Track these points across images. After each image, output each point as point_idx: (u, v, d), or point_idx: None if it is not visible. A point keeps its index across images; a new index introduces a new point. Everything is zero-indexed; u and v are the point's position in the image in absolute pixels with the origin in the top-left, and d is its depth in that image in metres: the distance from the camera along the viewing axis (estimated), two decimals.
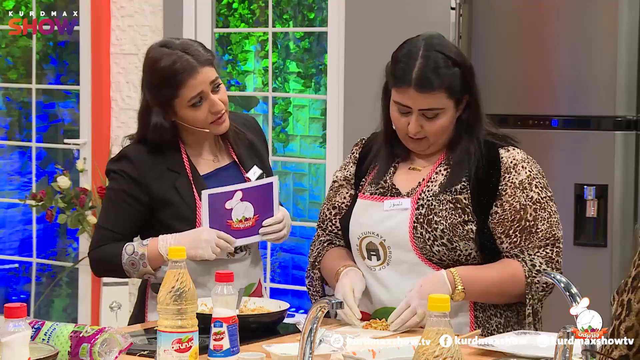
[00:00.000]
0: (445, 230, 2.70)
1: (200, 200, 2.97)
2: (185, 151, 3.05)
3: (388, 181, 2.84)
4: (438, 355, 1.65)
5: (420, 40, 2.78)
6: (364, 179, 2.91)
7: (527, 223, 2.72)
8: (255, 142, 3.19)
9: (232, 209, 2.97)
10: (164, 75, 2.95)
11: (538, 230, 2.72)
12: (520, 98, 4.28)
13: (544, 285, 2.71)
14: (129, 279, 3.69)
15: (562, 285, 2.15)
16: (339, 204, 2.94)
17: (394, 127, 2.84)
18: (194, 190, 3.00)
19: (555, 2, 4.22)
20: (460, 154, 2.78)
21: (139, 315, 3.10)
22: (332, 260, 2.90)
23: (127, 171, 3.00)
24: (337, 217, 2.94)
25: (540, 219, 2.72)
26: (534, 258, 2.71)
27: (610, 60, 4.08)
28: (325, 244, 2.97)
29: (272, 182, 3.04)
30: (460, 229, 2.71)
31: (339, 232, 2.94)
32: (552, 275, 2.22)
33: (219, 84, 3.01)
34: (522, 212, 2.72)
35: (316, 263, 2.96)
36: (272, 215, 3.04)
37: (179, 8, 5.24)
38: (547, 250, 2.72)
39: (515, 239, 2.72)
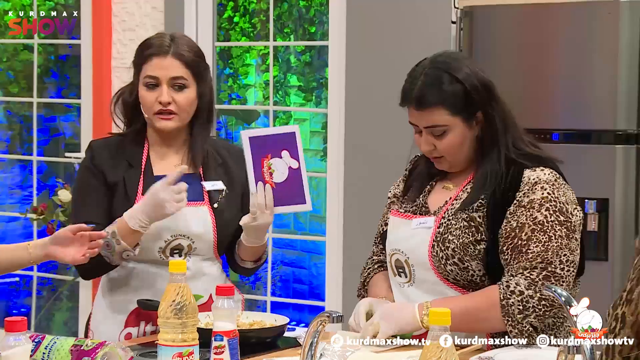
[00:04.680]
0: (456, 250, 2.69)
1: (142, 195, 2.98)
2: (148, 149, 3.07)
3: (421, 199, 2.85)
4: None
5: (427, 60, 2.79)
6: (406, 197, 2.92)
7: (520, 242, 2.65)
8: (231, 167, 3.16)
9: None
10: (142, 44, 3.07)
11: (528, 251, 2.64)
12: (521, 112, 4.26)
13: (521, 308, 2.60)
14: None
15: (563, 299, 2.15)
16: (388, 221, 2.95)
17: None
18: (140, 184, 3.01)
19: (556, 16, 4.23)
20: (479, 173, 2.76)
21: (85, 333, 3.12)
22: (374, 288, 2.93)
23: (89, 160, 3.05)
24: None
25: (535, 240, 2.64)
26: (511, 280, 2.63)
27: (610, 74, 4.09)
28: (375, 266, 2.99)
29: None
30: (471, 249, 2.68)
31: None
32: (553, 289, 2.21)
33: (182, 85, 3.01)
34: (517, 231, 2.66)
35: (365, 284, 2.99)
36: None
37: (180, 22, 5.25)
38: (533, 273, 2.62)
39: (506, 257, 2.67)
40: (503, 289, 2.63)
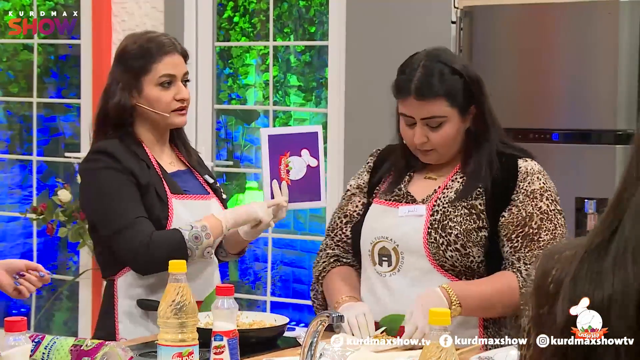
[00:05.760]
0: (460, 236, 2.73)
1: (171, 194, 2.98)
2: (147, 149, 3.05)
3: (403, 189, 2.87)
4: None
5: (422, 52, 2.83)
6: (377, 188, 2.93)
7: (531, 230, 2.74)
8: (202, 163, 3.22)
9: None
10: (142, 47, 3.01)
11: (540, 239, 2.73)
12: (521, 111, 4.29)
13: None
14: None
15: None
16: (351, 212, 2.96)
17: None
18: (165, 184, 2.99)
19: (556, 16, 4.23)
20: (473, 166, 2.81)
21: (107, 337, 3.01)
22: (335, 283, 2.92)
23: (112, 163, 2.95)
24: (348, 225, 2.97)
25: (544, 229, 2.74)
26: (529, 267, 2.72)
27: (610, 73, 4.09)
28: (331, 259, 2.98)
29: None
30: (474, 235, 2.74)
31: (348, 241, 2.96)
32: None
33: (188, 80, 3.07)
34: (527, 219, 2.74)
35: (320, 278, 2.97)
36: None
37: (180, 21, 5.25)
38: None
39: (516, 244, 2.74)
40: (523, 278, 2.71)
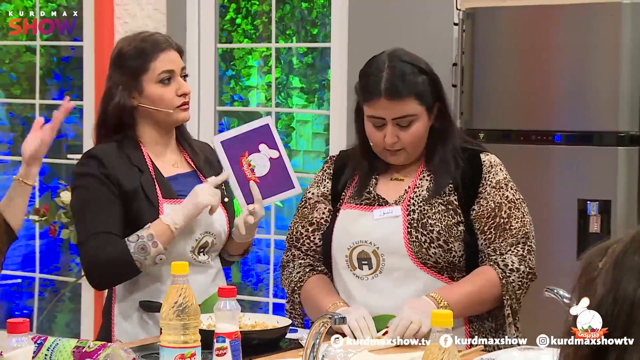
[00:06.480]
0: (442, 232, 2.77)
1: (161, 197, 2.95)
2: (146, 151, 3.03)
3: (372, 192, 2.87)
4: None
5: (384, 54, 2.87)
6: (343, 194, 2.93)
7: (502, 220, 2.80)
8: (212, 161, 3.16)
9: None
10: (137, 47, 2.99)
11: (512, 228, 2.80)
12: (523, 113, 4.29)
13: (520, 284, 2.76)
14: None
15: (566, 300, 2.15)
16: (318, 220, 2.95)
17: (370, 144, 2.85)
18: (157, 188, 2.97)
19: (558, 18, 4.23)
20: (439, 162, 2.85)
21: (105, 339, 2.92)
22: (318, 291, 2.90)
23: (97, 169, 2.94)
24: (316, 233, 2.95)
25: (514, 217, 2.80)
26: (506, 258, 2.77)
27: (613, 75, 4.09)
28: (307, 269, 2.96)
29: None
30: (454, 230, 2.78)
31: (318, 249, 2.95)
32: (555, 291, 2.22)
33: (187, 75, 3.06)
34: (497, 210, 2.80)
35: (297, 289, 2.96)
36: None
37: (182, 23, 5.25)
38: (519, 248, 2.79)
39: (489, 235, 2.80)
40: (501, 268, 2.76)
